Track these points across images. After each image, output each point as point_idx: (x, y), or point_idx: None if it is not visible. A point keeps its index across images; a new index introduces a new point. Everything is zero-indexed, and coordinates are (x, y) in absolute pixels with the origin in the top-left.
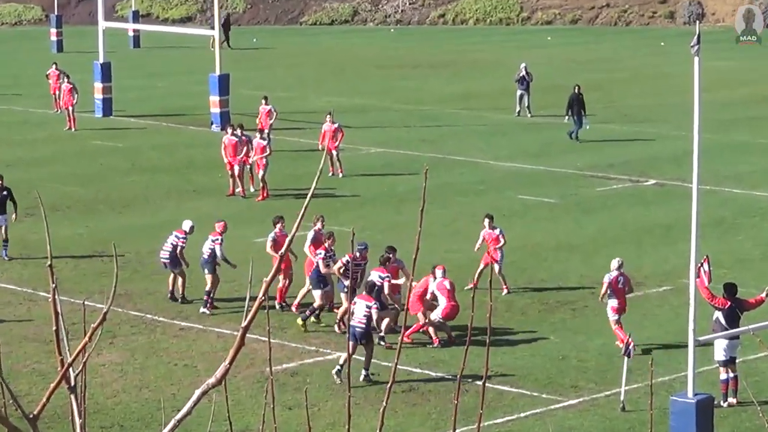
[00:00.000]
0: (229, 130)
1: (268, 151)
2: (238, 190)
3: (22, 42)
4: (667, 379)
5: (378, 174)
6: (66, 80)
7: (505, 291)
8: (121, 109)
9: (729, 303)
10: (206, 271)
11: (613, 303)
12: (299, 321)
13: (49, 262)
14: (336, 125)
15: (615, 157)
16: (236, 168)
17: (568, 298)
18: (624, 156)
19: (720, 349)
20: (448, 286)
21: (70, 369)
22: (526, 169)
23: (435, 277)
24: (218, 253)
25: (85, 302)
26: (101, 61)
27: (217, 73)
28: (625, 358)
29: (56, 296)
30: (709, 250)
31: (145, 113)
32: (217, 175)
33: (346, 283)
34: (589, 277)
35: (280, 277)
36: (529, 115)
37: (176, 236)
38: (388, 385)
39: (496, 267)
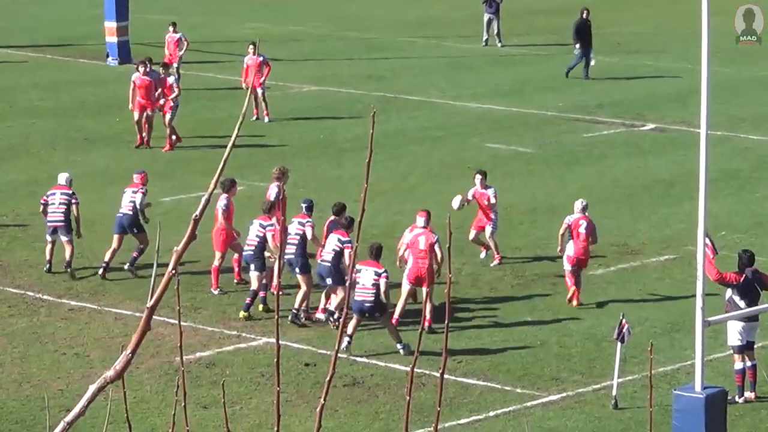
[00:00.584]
0: (141, 69)
1: (176, 91)
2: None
3: None
4: (669, 369)
5: (313, 117)
6: None
7: (497, 261)
8: None
9: (743, 276)
10: (132, 232)
11: (569, 251)
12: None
13: None
14: (261, 58)
15: (605, 96)
16: (146, 113)
17: (548, 271)
18: (616, 94)
19: (734, 332)
20: (422, 245)
21: None
22: (495, 111)
23: (412, 230)
24: (138, 201)
25: None
26: None
27: None
28: (618, 343)
29: None
30: (722, 211)
31: (24, 43)
32: (114, 120)
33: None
34: None
35: (218, 253)
36: (499, 45)
37: (64, 194)
38: (327, 378)
39: (488, 230)
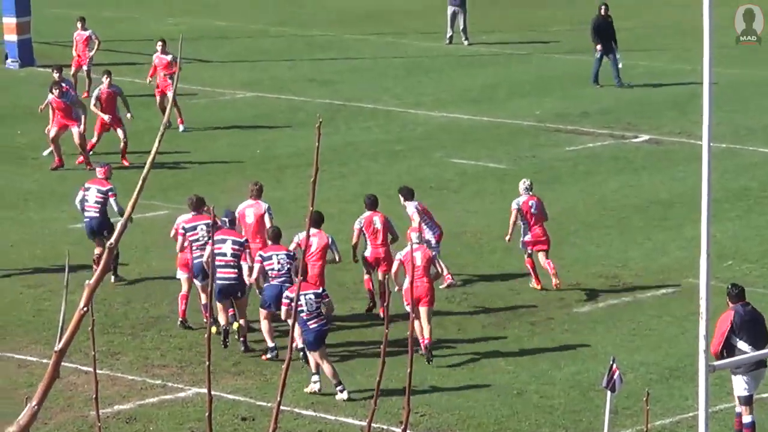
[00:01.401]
0: (56, 92)
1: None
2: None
3: None
4: (668, 423)
5: (248, 127)
6: None
7: (447, 282)
8: None
9: (732, 316)
10: (102, 236)
11: (526, 236)
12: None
13: None
14: (170, 57)
15: (591, 103)
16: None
17: (526, 307)
18: (604, 101)
19: (740, 380)
20: (419, 260)
21: None
22: (462, 121)
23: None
24: (114, 206)
25: None
26: None
27: None
28: (608, 392)
29: None
30: (728, 236)
31: None
32: (16, 132)
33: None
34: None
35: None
36: (465, 42)
37: None
38: None
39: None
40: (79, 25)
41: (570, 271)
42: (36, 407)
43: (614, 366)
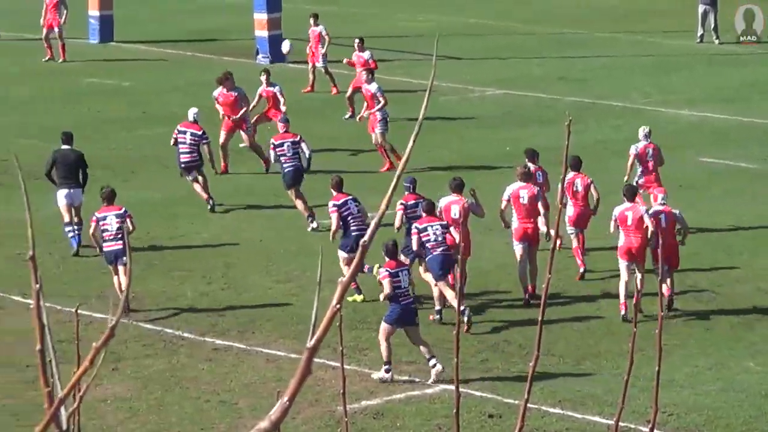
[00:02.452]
0: (263, 77)
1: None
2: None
3: None
4: None
5: (497, 126)
6: None
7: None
8: (126, 32)
9: None
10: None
11: (641, 179)
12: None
13: (30, 253)
14: (367, 54)
15: None
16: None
17: None
18: None
19: None
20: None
21: (61, 407)
22: (713, 120)
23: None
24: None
25: (78, 310)
26: None
27: None
28: None
29: (40, 302)
30: None
31: (161, 38)
32: (266, 127)
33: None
34: None
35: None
36: (716, 41)
37: (193, 134)
38: None
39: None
40: (311, 21)
41: None
42: (288, 403)
43: None
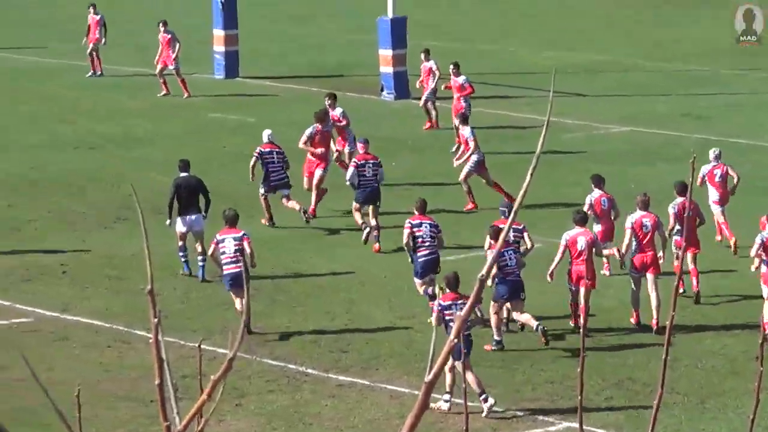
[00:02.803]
0: (327, 101)
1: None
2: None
3: None
4: None
5: (623, 163)
6: (162, 28)
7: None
8: (251, 68)
9: None
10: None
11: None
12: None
13: (149, 287)
14: (462, 79)
15: None
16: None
17: None
18: None
19: None
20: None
21: None
22: None
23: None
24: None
25: (202, 345)
26: None
27: (390, 15)
28: None
29: (160, 336)
30: None
31: (285, 74)
32: (390, 164)
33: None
34: None
35: None
36: None
37: (279, 153)
38: None
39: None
40: (422, 56)
41: None
42: None
43: None
